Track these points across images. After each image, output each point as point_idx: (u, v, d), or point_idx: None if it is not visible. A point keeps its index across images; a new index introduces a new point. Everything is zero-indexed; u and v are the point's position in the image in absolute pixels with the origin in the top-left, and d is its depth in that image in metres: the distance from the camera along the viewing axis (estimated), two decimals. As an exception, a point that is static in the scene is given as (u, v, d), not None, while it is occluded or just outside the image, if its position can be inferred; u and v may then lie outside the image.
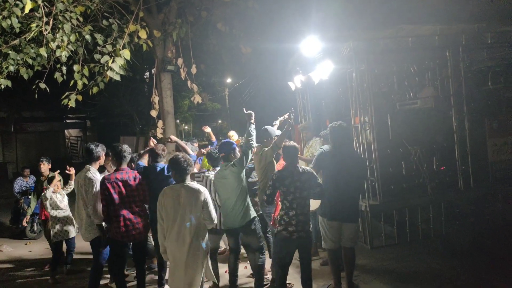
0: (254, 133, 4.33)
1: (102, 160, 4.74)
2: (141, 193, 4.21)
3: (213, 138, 6.45)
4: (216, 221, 3.74)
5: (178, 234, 3.55)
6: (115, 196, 4.05)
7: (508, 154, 5.58)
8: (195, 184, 3.72)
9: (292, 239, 3.82)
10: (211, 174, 4.55)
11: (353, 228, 4.31)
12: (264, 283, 4.44)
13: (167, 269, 4.52)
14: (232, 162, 4.18)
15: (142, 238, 4.25)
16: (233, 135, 6.60)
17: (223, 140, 4.51)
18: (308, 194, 3.87)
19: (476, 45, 5.75)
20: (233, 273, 4.38)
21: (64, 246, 5.45)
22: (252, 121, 4.38)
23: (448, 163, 5.49)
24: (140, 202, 4.22)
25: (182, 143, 4.96)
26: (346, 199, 4.21)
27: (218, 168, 4.49)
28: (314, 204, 4.52)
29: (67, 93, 6.17)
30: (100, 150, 4.69)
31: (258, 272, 4.30)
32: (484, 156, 5.54)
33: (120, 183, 4.09)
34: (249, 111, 4.45)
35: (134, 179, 4.18)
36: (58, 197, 5.43)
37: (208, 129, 6.44)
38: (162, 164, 4.59)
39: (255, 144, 4.36)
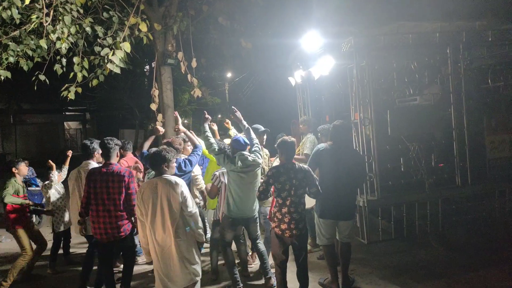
0: (253, 135, 4.47)
1: (99, 156, 4.76)
2: (122, 191, 3.95)
3: (217, 136, 6.32)
4: (196, 209, 3.63)
5: (163, 225, 3.53)
6: (94, 191, 3.95)
7: (506, 151, 5.60)
8: (171, 177, 3.65)
9: (284, 237, 3.82)
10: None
11: (349, 225, 4.34)
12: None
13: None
14: (252, 155, 4.27)
15: (117, 238, 4.01)
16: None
17: (239, 138, 4.44)
18: (303, 193, 3.84)
19: (477, 43, 5.74)
20: (232, 265, 4.43)
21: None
22: (244, 122, 4.46)
23: (446, 160, 5.51)
24: (121, 200, 3.96)
25: (189, 133, 4.83)
26: (343, 197, 4.23)
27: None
28: (310, 201, 4.55)
29: (66, 85, 6.18)
30: (96, 146, 4.73)
31: (262, 259, 4.44)
32: (482, 153, 5.55)
33: (103, 178, 3.95)
34: (233, 110, 4.51)
35: (119, 176, 3.95)
36: (58, 187, 5.48)
37: (215, 126, 6.15)
38: (180, 159, 4.48)
39: (259, 145, 4.43)
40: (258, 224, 4.45)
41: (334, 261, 4.35)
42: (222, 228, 4.45)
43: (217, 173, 4.59)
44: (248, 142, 4.36)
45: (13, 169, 5.00)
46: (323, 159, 4.28)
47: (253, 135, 4.50)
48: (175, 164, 3.83)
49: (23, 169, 5.12)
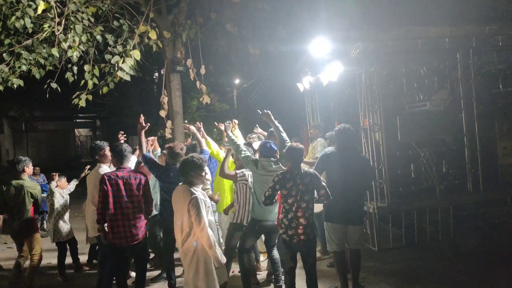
0: (285, 136, 4.41)
1: (108, 157, 4.76)
2: (140, 194, 4.02)
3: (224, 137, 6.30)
4: (205, 231, 3.43)
5: (177, 233, 3.61)
6: (112, 194, 3.93)
7: (518, 157, 5.53)
8: (188, 188, 3.58)
9: (292, 243, 3.80)
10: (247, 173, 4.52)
11: (358, 231, 4.30)
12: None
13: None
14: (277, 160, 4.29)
15: (135, 241, 4.03)
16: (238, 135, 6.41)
17: (267, 142, 4.41)
18: (310, 198, 3.81)
19: (487, 48, 5.70)
20: (248, 272, 4.43)
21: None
22: (276, 122, 4.43)
23: (458, 166, 5.44)
24: (138, 203, 4.03)
25: (199, 136, 4.85)
26: (351, 201, 4.19)
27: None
28: (319, 205, 4.52)
29: (77, 92, 6.27)
30: (101, 144, 4.77)
31: (276, 266, 4.39)
32: (493, 159, 5.49)
33: (120, 181, 3.96)
34: (265, 112, 4.47)
35: (135, 179, 4.02)
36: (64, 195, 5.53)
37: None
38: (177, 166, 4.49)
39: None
40: (278, 231, 4.41)
41: (344, 269, 4.30)
42: (245, 233, 4.40)
43: (245, 171, 4.56)
44: (276, 149, 4.34)
45: (25, 168, 5.03)
46: (330, 162, 4.26)
47: (285, 136, 4.40)
48: (203, 174, 3.72)
49: (31, 169, 5.17)
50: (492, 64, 6.02)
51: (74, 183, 5.82)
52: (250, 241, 4.40)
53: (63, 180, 5.57)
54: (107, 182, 3.97)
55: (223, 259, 3.52)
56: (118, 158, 4.13)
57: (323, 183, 3.87)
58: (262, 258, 5.36)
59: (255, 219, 4.33)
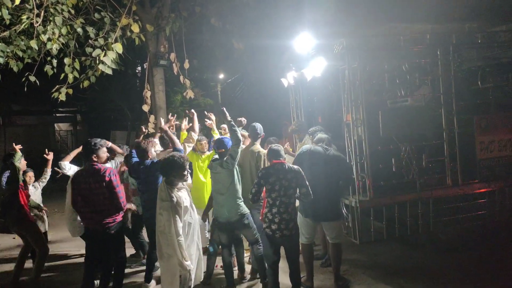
0: (237, 130, 4.31)
1: (101, 158, 4.66)
2: (104, 191, 3.91)
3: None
4: (171, 238, 3.59)
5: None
6: (79, 193, 3.94)
7: (495, 152, 5.67)
8: (170, 186, 3.66)
9: (275, 237, 3.84)
10: None
11: (334, 226, 4.38)
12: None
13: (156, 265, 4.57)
14: (225, 159, 4.22)
15: (104, 228, 3.93)
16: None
17: (220, 137, 4.47)
18: (293, 193, 3.85)
19: (467, 45, 5.82)
20: (229, 268, 4.43)
21: None
22: (229, 118, 4.36)
23: (437, 160, 5.57)
24: (105, 200, 3.93)
25: (170, 134, 4.72)
26: (324, 199, 4.23)
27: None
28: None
29: (57, 86, 6.14)
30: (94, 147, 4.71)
31: (259, 263, 4.38)
32: (472, 154, 5.62)
33: (86, 180, 3.92)
34: (222, 108, 4.49)
35: (104, 175, 3.90)
36: (30, 189, 5.37)
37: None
38: (149, 161, 4.43)
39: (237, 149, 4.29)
40: (251, 228, 4.37)
41: (310, 259, 4.42)
42: (212, 230, 4.50)
43: None
44: (227, 145, 4.33)
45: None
46: (305, 160, 4.32)
47: (236, 135, 4.24)
48: (185, 173, 3.75)
49: (24, 163, 5.06)
50: (472, 61, 6.16)
51: (47, 172, 5.61)
52: (221, 236, 4.40)
53: (30, 173, 5.44)
54: (76, 180, 3.99)
55: (189, 266, 3.62)
56: (86, 155, 4.04)
57: (306, 182, 3.89)
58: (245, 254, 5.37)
59: (214, 217, 4.46)
